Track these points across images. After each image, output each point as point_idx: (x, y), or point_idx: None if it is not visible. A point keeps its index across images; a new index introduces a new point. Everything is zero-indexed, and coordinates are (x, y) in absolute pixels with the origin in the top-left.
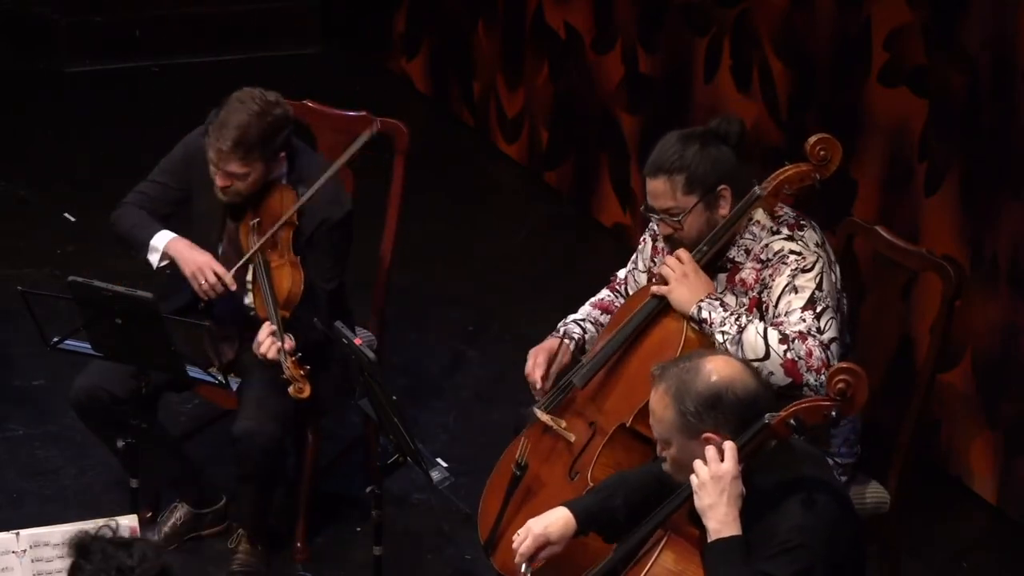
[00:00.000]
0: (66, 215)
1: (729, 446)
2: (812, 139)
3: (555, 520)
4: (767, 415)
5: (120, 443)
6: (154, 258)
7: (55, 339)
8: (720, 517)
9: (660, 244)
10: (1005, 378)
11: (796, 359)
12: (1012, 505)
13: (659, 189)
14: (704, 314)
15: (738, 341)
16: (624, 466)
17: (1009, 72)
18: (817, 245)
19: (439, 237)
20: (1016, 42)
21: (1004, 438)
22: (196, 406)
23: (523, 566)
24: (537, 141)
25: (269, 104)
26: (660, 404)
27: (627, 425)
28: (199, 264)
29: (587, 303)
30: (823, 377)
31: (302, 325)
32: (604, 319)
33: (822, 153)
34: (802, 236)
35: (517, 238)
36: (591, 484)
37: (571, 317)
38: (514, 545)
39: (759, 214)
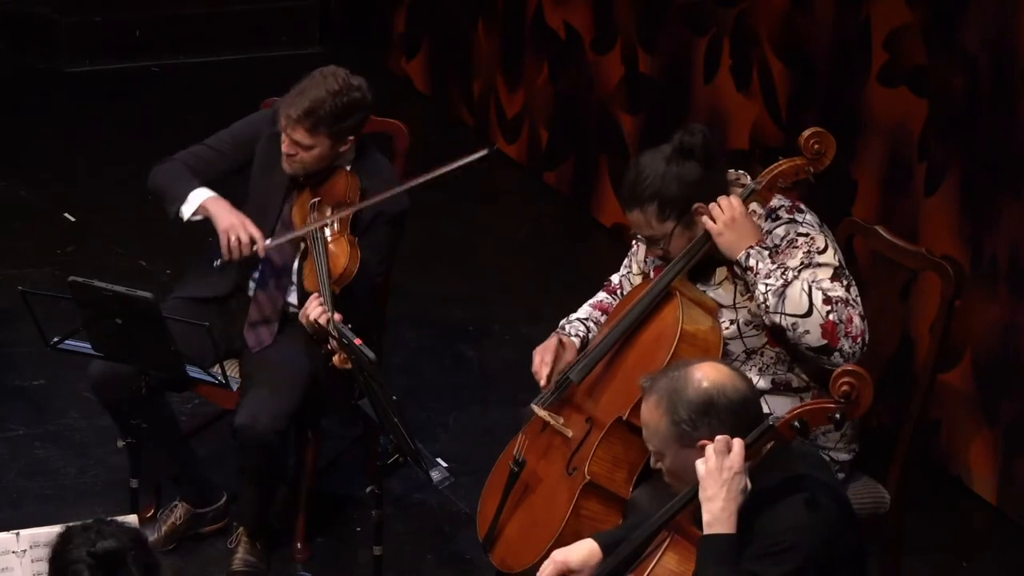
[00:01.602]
0: (66, 215)
1: (738, 442)
2: (806, 133)
3: (578, 549)
4: (771, 417)
5: (120, 443)
6: (187, 210)
7: (55, 339)
8: (716, 511)
9: None
10: (1005, 378)
11: (838, 322)
12: (1012, 505)
13: (636, 220)
14: (751, 262)
15: (781, 293)
16: (622, 460)
17: (1009, 72)
18: (821, 226)
19: (439, 237)
20: (1016, 42)
21: (1004, 438)
22: (196, 406)
23: None
24: (537, 141)
25: (349, 86)
26: (653, 416)
27: (624, 419)
28: (235, 222)
29: (586, 304)
30: (857, 347)
31: (346, 308)
32: (603, 319)
33: (816, 147)
34: (804, 219)
35: (517, 238)
36: (588, 479)
37: (573, 316)
38: (537, 574)
39: (753, 207)
